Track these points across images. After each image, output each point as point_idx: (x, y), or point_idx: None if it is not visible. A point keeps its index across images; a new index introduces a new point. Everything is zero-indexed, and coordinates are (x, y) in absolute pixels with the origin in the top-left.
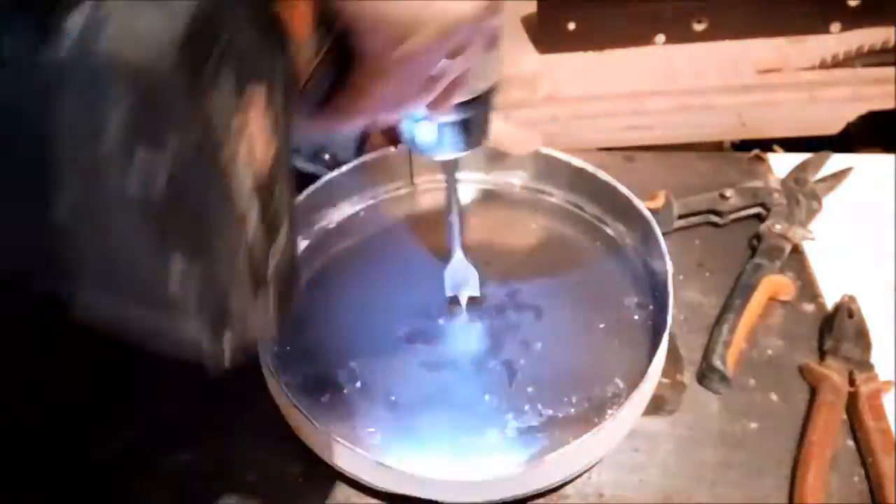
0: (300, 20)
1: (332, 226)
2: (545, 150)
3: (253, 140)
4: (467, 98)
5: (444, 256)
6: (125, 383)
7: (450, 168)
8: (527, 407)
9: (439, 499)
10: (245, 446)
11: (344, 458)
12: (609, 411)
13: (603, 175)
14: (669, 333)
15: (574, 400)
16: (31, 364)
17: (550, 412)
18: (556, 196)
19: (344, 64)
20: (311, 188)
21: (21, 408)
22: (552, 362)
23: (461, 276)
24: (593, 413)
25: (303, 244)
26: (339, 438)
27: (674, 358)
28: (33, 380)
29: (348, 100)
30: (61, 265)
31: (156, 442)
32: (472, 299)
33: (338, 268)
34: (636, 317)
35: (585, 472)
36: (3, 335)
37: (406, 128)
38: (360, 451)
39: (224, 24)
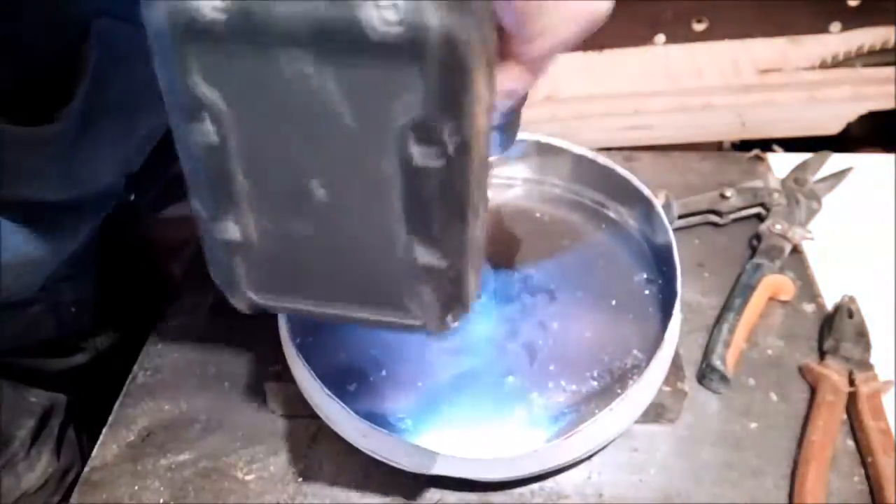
0: None
1: None
2: (545, 140)
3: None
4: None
5: None
6: (123, 384)
7: None
8: (550, 384)
9: (477, 476)
10: (245, 446)
11: (380, 443)
12: (630, 382)
13: (602, 160)
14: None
15: (596, 374)
16: None
17: (574, 387)
18: (559, 186)
19: None
20: None
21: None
22: (571, 341)
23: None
24: (616, 384)
25: None
26: (374, 426)
27: (675, 366)
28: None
29: None
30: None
31: (155, 442)
32: (485, 299)
33: None
34: (647, 292)
35: (577, 463)
36: None
37: None
38: (397, 436)
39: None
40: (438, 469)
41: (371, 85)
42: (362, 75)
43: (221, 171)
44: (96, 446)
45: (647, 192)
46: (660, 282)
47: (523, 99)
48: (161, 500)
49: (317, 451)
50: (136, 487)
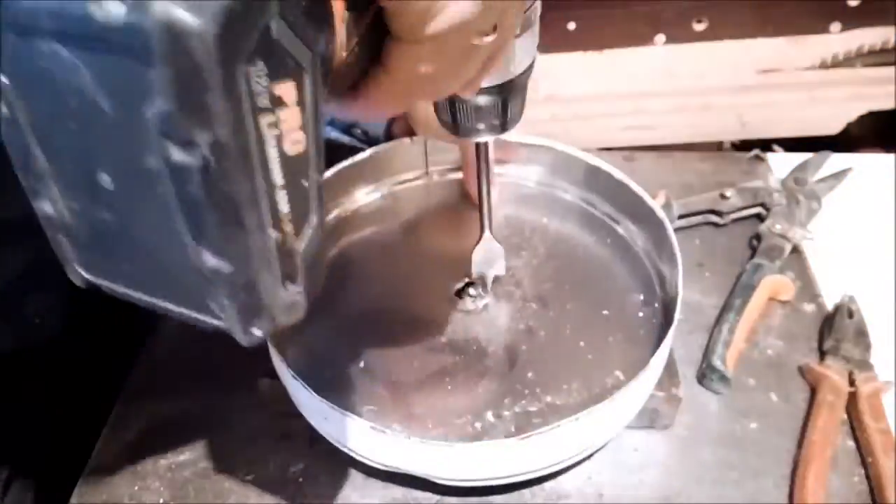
0: (334, 0)
1: (346, 213)
2: (561, 147)
3: (285, 133)
4: (502, 81)
5: (456, 245)
6: (123, 384)
7: (483, 151)
8: (526, 392)
9: (429, 474)
10: (245, 446)
11: (340, 425)
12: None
13: (618, 174)
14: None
15: (574, 388)
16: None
17: (549, 399)
18: (571, 193)
19: (377, 45)
20: (327, 174)
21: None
22: (555, 351)
23: (489, 255)
24: (592, 402)
25: None
26: (334, 406)
27: (670, 372)
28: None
29: (381, 83)
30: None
31: (155, 442)
32: (482, 285)
33: (350, 253)
34: (641, 313)
35: (580, 463)
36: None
37: (441, 109)
38: (355, 416)
39: (265, 9)
40: (392, 460)
41: (117, 74)
42: (107, 64)
43: (22, 147)
44: (96, 446)
45: (660, 213)
46: (655, 305)
47: (521, 79)
48: (161, 500)
49: (317, 451)
50: (136, 487)
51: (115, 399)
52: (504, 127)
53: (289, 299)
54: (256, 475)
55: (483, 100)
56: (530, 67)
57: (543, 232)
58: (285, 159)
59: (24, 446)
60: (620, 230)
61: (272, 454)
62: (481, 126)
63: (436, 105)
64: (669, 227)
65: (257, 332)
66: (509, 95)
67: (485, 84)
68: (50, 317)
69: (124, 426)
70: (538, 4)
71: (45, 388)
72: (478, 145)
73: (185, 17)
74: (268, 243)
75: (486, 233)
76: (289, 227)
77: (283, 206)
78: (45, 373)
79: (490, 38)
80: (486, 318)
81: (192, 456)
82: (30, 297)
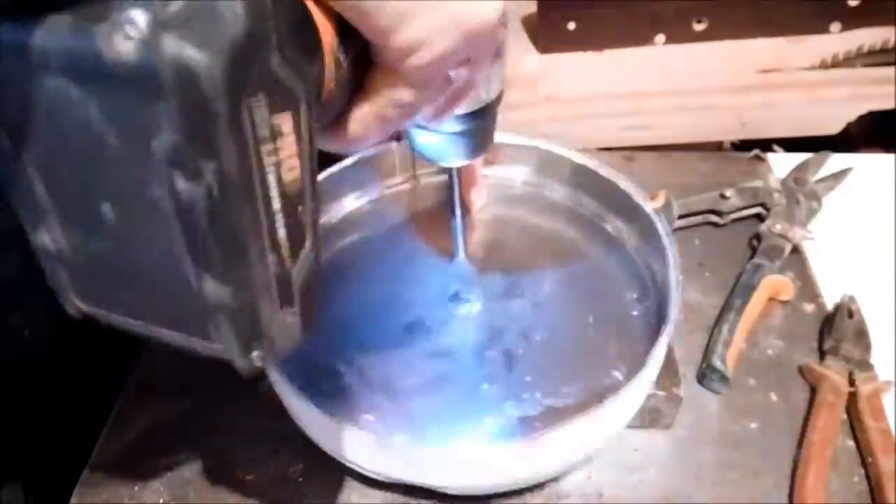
0: (324, 33)
1: (334, 220)
2: (546, 146)
3: (282, 162)
4: (474, 108)
5: (446, 250)
6: (123, 384)
7: (453, 175)
8: (525, 395)
9: (436, 484)
10: (245, 446)
11: (343, 440)
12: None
13: (604, 171)
14: (667, 347)
15: (573, 390)
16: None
17: (549, 402)
18: (558, 192)
19: (361, 77)
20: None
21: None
22: (552, 353)
23: (462, 281)
24: (592, 403)
25: None
26: (337, 419)
27: (671, 371)
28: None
29: (364, 112)
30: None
31: (155, 442)
32: (469, 302)
33: (340, 261)
34: (635, 312)
35: (582, 464)
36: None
37: (413, 136)
38: (359, 430)
39: (266, 43)
40: (396, 471)
41: (125, 109)
42: (117, 102)
43: (22, 180)
44: (96, 446)
45: (647, 209)
46: (649, 304)
47: (493, 105)
48: (161, 500)
49: (317, 451)
50: (136, 487)
51: (115, 399)
52: (475, 152)
53: (286, 324)
54: (256, 475)
55: (456, 126)
56: (501, 94)
57: (534, 233)
58: (283, 187)
59: (24, 446)
60: (610, 228)
61: (272, 454)
62: (449, 153)
63: (409, 132)
64: (659, 224)
65: (256, 358)
66: (481, 121)
67: (458, 111)
68: (38, 327)
69: (124, 426)
70: (506, 34)
71: (44, 388)
72: (450, 170)
73: (194, 53)
74: (268, 269)
75: (460, 257)
76: (286, 253)
77: (281, 232)
78: (44, 374)
79: (465, 70)
80: (481, 321)
81: (192, 456)
82: (13, 310)
